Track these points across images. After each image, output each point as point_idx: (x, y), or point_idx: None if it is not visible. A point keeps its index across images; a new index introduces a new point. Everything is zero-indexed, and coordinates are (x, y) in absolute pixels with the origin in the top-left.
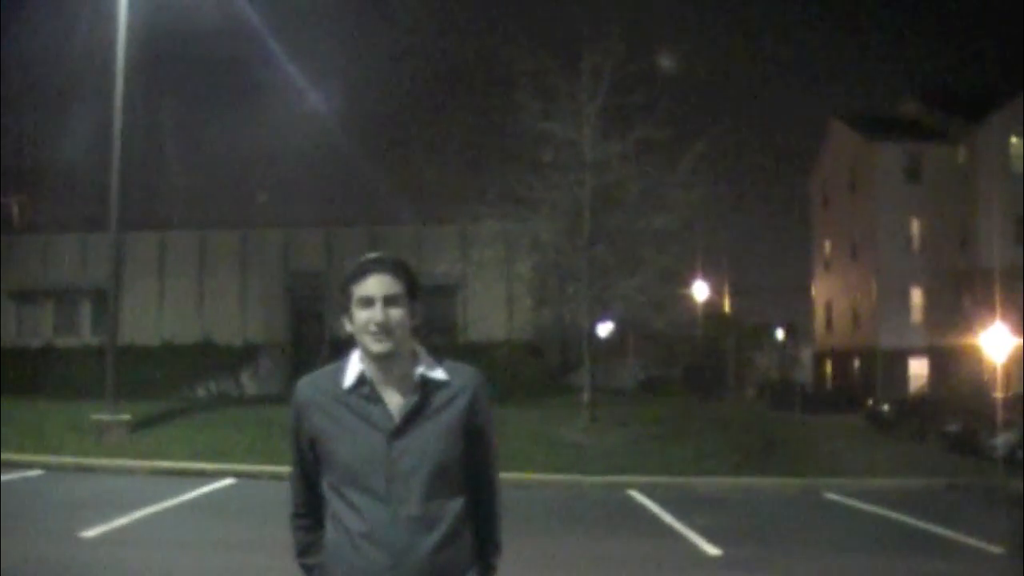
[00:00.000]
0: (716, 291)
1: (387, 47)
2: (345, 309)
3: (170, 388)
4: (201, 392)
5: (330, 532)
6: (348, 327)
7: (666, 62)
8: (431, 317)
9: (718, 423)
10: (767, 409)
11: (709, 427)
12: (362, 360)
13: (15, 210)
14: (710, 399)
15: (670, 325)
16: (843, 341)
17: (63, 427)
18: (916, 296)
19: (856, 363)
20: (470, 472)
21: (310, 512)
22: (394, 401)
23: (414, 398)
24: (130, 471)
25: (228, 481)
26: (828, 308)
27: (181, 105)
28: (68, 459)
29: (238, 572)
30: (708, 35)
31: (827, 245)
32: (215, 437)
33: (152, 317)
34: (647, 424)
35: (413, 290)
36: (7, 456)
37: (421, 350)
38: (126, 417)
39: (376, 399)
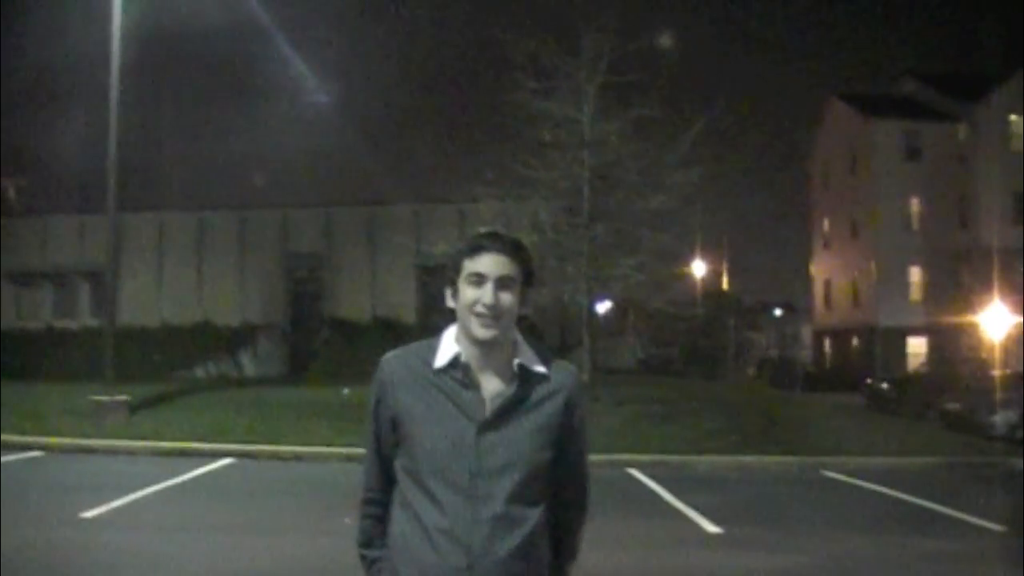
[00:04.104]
0: (715, 270)
1: (386, 28)
2: (452, 283)
3: (169, 369)
4: (200, 373)
5: (399, 522)
6: (451, 303)
7: (665, 40)
8: (432, 296)
9: (717, 402)
10: (766, 388)
11: (708, 406)
12: (458, 341)
13: (13, 193)
14: (709, 378)
15: (669, 304)
16: (842, 319)
17: (62, 409)
18: (915, 274)
19: (855, 341)
20: (559, 476)
21: (383, 499)
22: (489, 389)
23: (511, 389)
24: (129, 452)
25: (227, 461)
26: (827, 287)
27: (178, 88)
28: (67, 440)
29: (237, 552)
30: (708, 13)
31: (826, 224)
32: (214, 418)
33: (151, 299)
34: (647, 403)
35: (528, 276)
36: (7, 438)
37: (521, 340)
38: (125, 398)
39: (470, 385)
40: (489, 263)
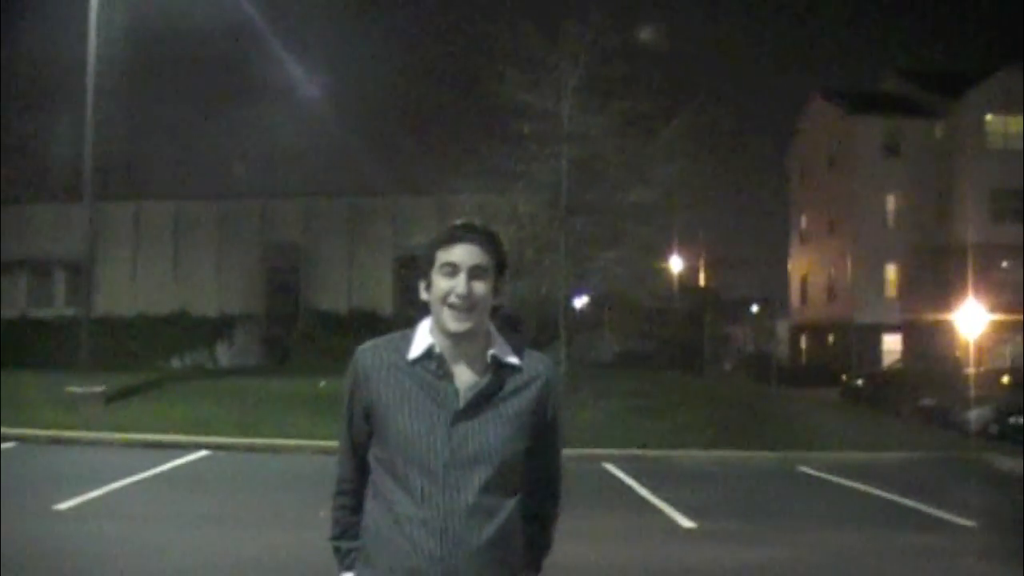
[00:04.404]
0: (693, 265)
1: (366, 19)
2: (424, 275)
3: (145, 360)
4: (176, 363)
5: (373, 512)
6: (424, 295)
7: (647, 35)
8: (410, 288)
9: (694, 397)
10: (743, 383)
11: (685, 401)
12: (432, 332)
13: None
14: (687, 372)
15: (648, 298)
16: (819, 315)
17: (38, 399)
18: (891, 271)
19: (831, 337)
20: (533, 466)
21: (356, 490)
22: (462, 380)
23: (484, 380)
24: (105, 443)
25: (202, 453)
26: (804, 282)
27: (160, 77)
28: (43, 431)
29: (213, 544)
30: (689, 8)
31: (804, 219)
32: (190, 409)
33: (127, 288)
34: (624, 397)
35: (501, 266)
36: None
37: (495, 331)
38: (101, 389)
39: (444, 375)
40: (462, 253)
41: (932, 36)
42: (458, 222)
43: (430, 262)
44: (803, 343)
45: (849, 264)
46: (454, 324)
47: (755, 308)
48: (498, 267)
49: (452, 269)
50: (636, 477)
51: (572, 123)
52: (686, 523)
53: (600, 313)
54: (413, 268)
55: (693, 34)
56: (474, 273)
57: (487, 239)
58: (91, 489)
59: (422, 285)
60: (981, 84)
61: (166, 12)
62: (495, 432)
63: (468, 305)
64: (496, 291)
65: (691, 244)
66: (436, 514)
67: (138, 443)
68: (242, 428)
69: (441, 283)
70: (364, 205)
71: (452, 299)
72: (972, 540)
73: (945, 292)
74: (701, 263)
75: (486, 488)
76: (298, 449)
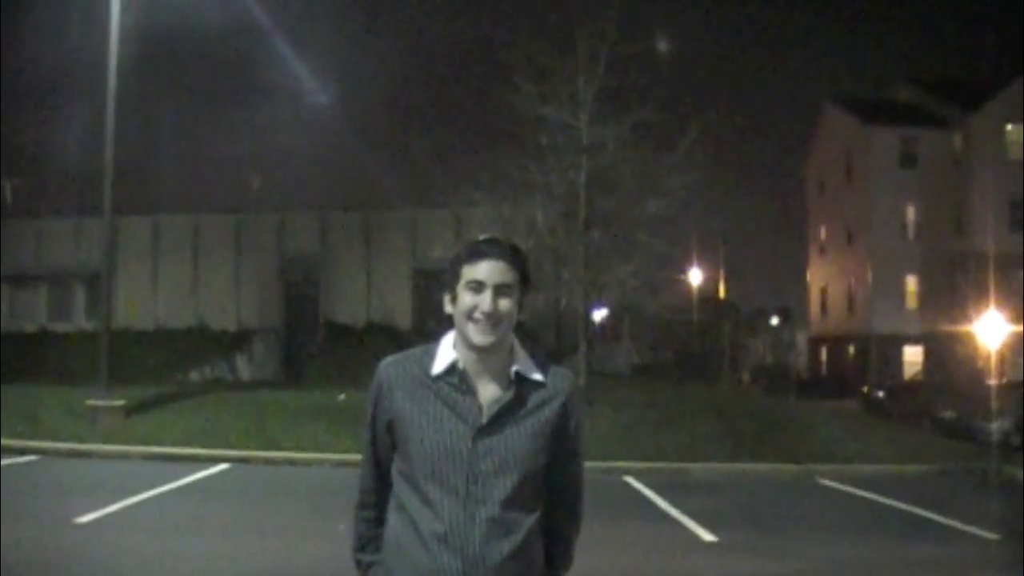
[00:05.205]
0: (711, 276)
1: (383, 31)
2: (450, 289)
3: (164, 373)
4: (195, 376)
5: (394, 526)
6: (448, 308)
7: (662, 45)
8: (428, 301)
9: (712, 408)
10: (762, 394)
11: (703, 412)
12: (455, 347)
13: (8, 194)
14: (705, 384)
15: (665, 310)
16: (838, 327)
17: (58, 412)
18: (911, 282)
19: (851, 349)
20: (555, 482)
21: (378, 503)
22: (486, 395)
23: (508, 395)
24: (125, 456)
25: (223, 466)
26: (823, 293)
27: (175, 89)
28: (63, 444)
29: (233, 557)
30: (705, 18)
31: (822, 230)
32: (210, 422)
33: (146, 301)
34: (642, 409)
35: (526, 281)
36: (2, 441)
37: (518, 346)
38: (120, 402)
39: (467, 390)
40: (488, 270)
41: (949, 45)
42: (483, 237)
43: (456, 277)
44: (822, 354)
45: (868, 274)
46: (478, 337)
47: (775, 320)
48: (522, 282)
49: (478, 286)
50: (656, 489)
51: (590, 135)
52: (707, 536)
53: (618, 325)
54: (432, 280)
55: (709, 44)
56: (500, 290)
57: (512, 255)
58: (112, 502)
59: (447, 298)
60: (999, 94)
61: (183, 27)
62: (517, 447)
63: (493, 321)
64: (520, 306)
65: (710, 255)
66: (457, 528)
67: (158, 456)
68: (262, 441)
69: (467, 299)
70: (381, 217)
71: (477, 315)
72: (994, 552)
73: (965, 303)
74: (721, 274)
75: (507, 503)
76: (317, 462)
